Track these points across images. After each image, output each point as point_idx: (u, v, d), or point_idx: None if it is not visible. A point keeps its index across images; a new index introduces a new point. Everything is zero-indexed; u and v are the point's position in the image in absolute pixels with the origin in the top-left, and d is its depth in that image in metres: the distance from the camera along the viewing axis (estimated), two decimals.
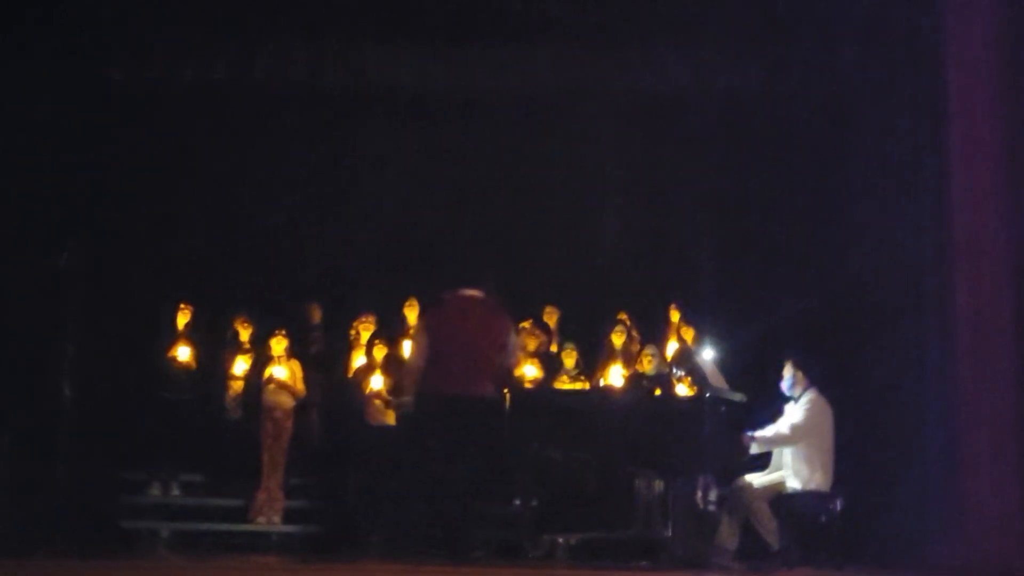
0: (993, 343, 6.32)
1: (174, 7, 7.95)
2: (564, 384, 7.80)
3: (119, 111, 8.23)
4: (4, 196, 7.08)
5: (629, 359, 7.95)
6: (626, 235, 9.17)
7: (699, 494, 6.25)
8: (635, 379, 7.49)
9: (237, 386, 7.92)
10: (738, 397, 6.46)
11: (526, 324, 7.98)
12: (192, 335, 7.95)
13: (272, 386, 7.61)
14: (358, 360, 7.76)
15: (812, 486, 6.25)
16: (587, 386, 7.77)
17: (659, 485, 6.63)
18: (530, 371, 7.76)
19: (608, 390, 7.48)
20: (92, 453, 7.41)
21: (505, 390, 6.33)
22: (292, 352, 7.75)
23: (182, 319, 7.97)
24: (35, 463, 7.07)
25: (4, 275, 7.08)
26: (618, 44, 8.46)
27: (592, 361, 8.10)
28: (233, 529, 7.57)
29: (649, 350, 7.64)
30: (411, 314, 7.94)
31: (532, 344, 7.93)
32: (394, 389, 7.22)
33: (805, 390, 6.40)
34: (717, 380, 6.50)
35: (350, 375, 7.75)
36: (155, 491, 7.75)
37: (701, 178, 9.00)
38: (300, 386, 7.72)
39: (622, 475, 6.70)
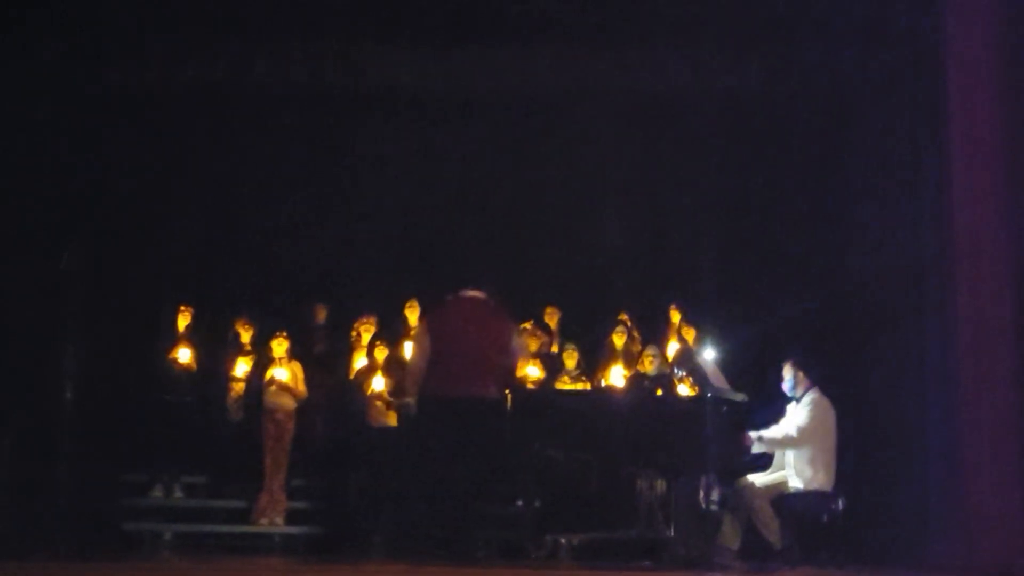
0: (993, 343, 6.33)
1: (174, 8, 7.94)
2: (565, 385, 7.81)
3: (119, 112, 8.23)
4: (4, 196, 7.08)
5: (630, 359, 7.96)
6: (626, 235, 9.17)
7: (701, 494, 6.24)
8: (636, 379, 7.49)
9: (238, 388, 7.91)
10: (739, 397, 6.47)
11: (527, 325, 7.99)
12: (193, 337, 7.94)
13: (273, 388, 7.61)
14: (359, 361, 7.76)
15: (814, 486, 6.26)
16: (588, 387, 7.78)
17: (661, 485, 6.63)
18: (532, 372, 7.77)
19: (609, 390, 7.48)
20: (93, 455, 7.41)
21: (507, 391, 6.34)
22: (293, 353, 7.75)
23: (183, 321, 7.96)
24: (36, 465, 7.08)
25: (4, 276, 7.08)
26: (618, 44, 8.46)
27: (593, 361, 8.10)
28: (235, 531, 7.57)
29: (650, 350, 7.64)
30: (412, 315, 7.95)
31: (533, 345, 7.93)
32: (395, 390, 7.22)
33: (807, 390, 6.41)
34: (718, 380, 6.51)
35: (351, 376, 7.76)
36: (157, 493, 7.74)
37: (701, 178, 9.01)
38: (301, 388, 7.71)
39: (624, 475, 6.70)
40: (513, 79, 8.61)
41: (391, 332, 7.89)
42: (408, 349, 7.06)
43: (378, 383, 7.48)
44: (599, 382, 7.79)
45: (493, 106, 8.80)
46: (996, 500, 6.19)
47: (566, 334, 8.42)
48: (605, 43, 8.45)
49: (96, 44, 8.04)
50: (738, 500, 6.32)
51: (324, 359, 8.06)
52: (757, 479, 6.39)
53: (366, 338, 7.83)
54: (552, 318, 8.53)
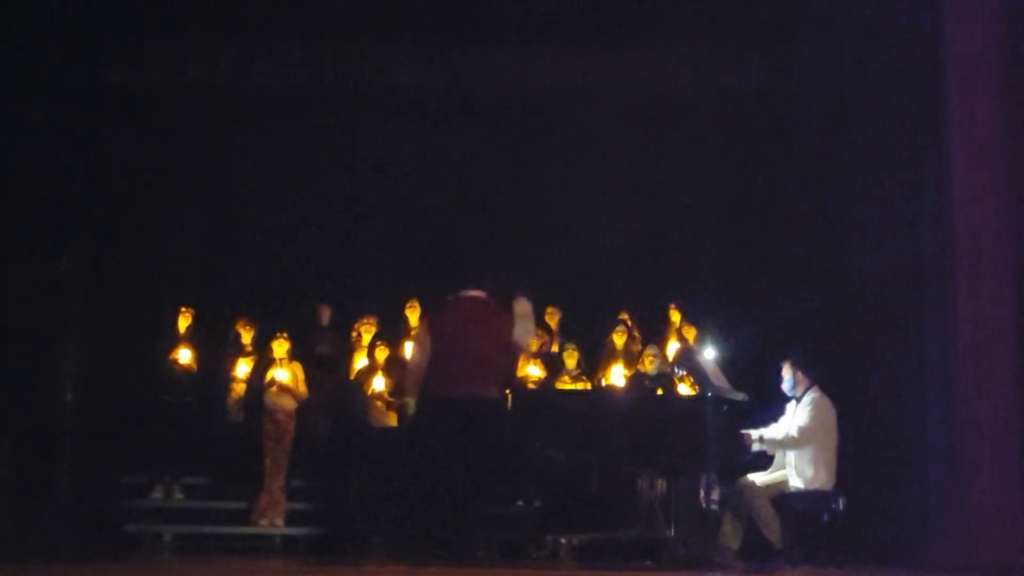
0: (993, 343, 6.34)
1: (174, 8, 7.95)
2: (566, 384, 7.81)
3: (119, 112, 8.24)
4: (4, 196, 7.08)
5: (630, 359, 7.96)
6: (626, 235, 9.16)
7: (701, 493, 6.25)
8: (637, 379, 7.49)
9: (239, 389, 7.90)
10: (740, 396, 6.47)
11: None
12: (193, 338, 7.94)
13: (274, 388, 7.60)
14: (360, 362, 7.76)
15: (815, 485, 6.26)
16: (589, 386, 7.78)
17: (661, 485, 6.63)
18: (532, 372, 7.77)
19: (610, 390, 7.49)
20: (93, 456, 7.40)
21: (507, 391, 6.34)
22: (294, 354, 7.75)
23: (183, 322, 7.95)
24: (36, 466, 7.07)
25: (4, 276, 7.08)
26: (618, 44, 8.47)
27: (594, 361, 8.10)
28: (236, 532, 7.56)
29: (650, 350, 7.65)
30: (412, 315, 7.95)
31: (534, 345, 7.92)
32: (396, 390, 7.22)
33: (807, 390, 6.42)
34: (719, 379, 6.51)
35: (352, 377, 7.76)
36: (157, 494, 7.73)
37: (701, 178, 9.01)
38: (302, 388, 7.71)
39: (624, 475, 6.69)
40: (513, 79, 8.63)
41: (392, 332, 7.89)
42: (409, 349, 7.06)
43: (379, 383, 7.48)
44: (599, 382, 7.80)
45: (493, 106, 8.80)
46: (996, 500, 6.20)
47: (566, 334, 8.41)
48: (605, 43, 8.47)
49: (96, 44, 8.06)
50: (738, 499, 6.33)
51: (326, 360, 8.05)
52: (757, 478, 6.39)
53: (367, 338, 7.83)
54: (552, 318, 8.53)
